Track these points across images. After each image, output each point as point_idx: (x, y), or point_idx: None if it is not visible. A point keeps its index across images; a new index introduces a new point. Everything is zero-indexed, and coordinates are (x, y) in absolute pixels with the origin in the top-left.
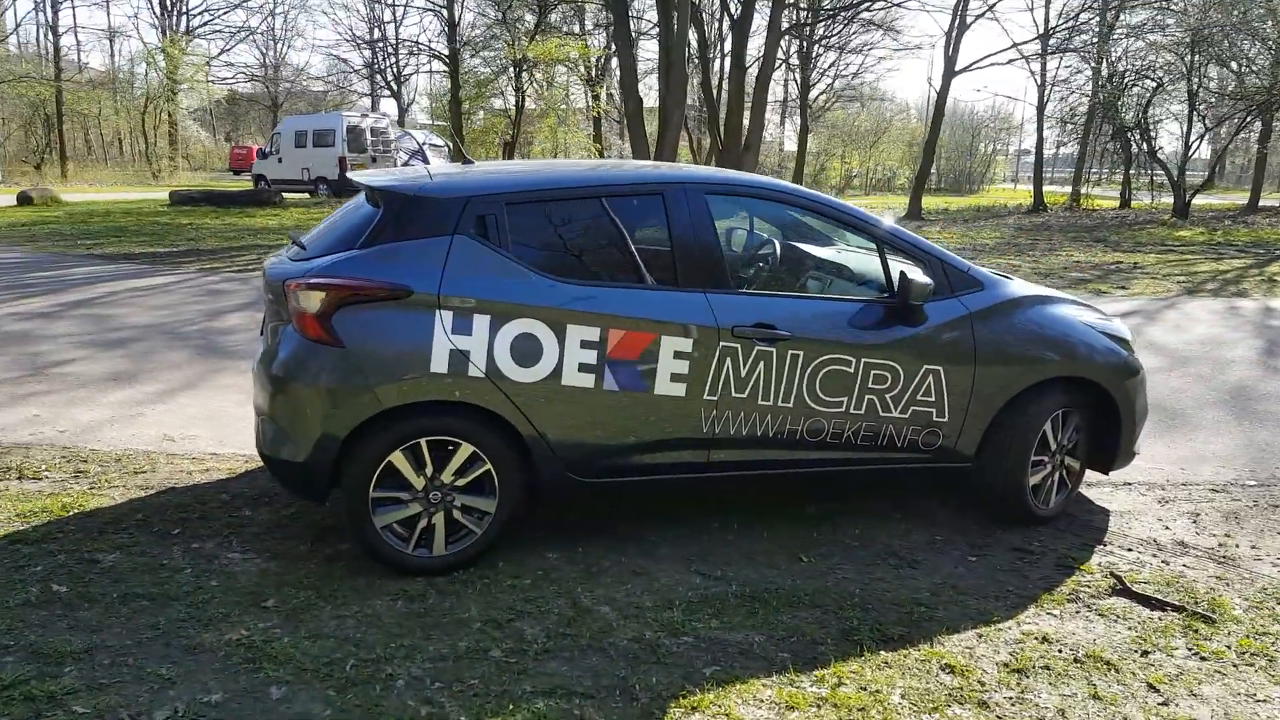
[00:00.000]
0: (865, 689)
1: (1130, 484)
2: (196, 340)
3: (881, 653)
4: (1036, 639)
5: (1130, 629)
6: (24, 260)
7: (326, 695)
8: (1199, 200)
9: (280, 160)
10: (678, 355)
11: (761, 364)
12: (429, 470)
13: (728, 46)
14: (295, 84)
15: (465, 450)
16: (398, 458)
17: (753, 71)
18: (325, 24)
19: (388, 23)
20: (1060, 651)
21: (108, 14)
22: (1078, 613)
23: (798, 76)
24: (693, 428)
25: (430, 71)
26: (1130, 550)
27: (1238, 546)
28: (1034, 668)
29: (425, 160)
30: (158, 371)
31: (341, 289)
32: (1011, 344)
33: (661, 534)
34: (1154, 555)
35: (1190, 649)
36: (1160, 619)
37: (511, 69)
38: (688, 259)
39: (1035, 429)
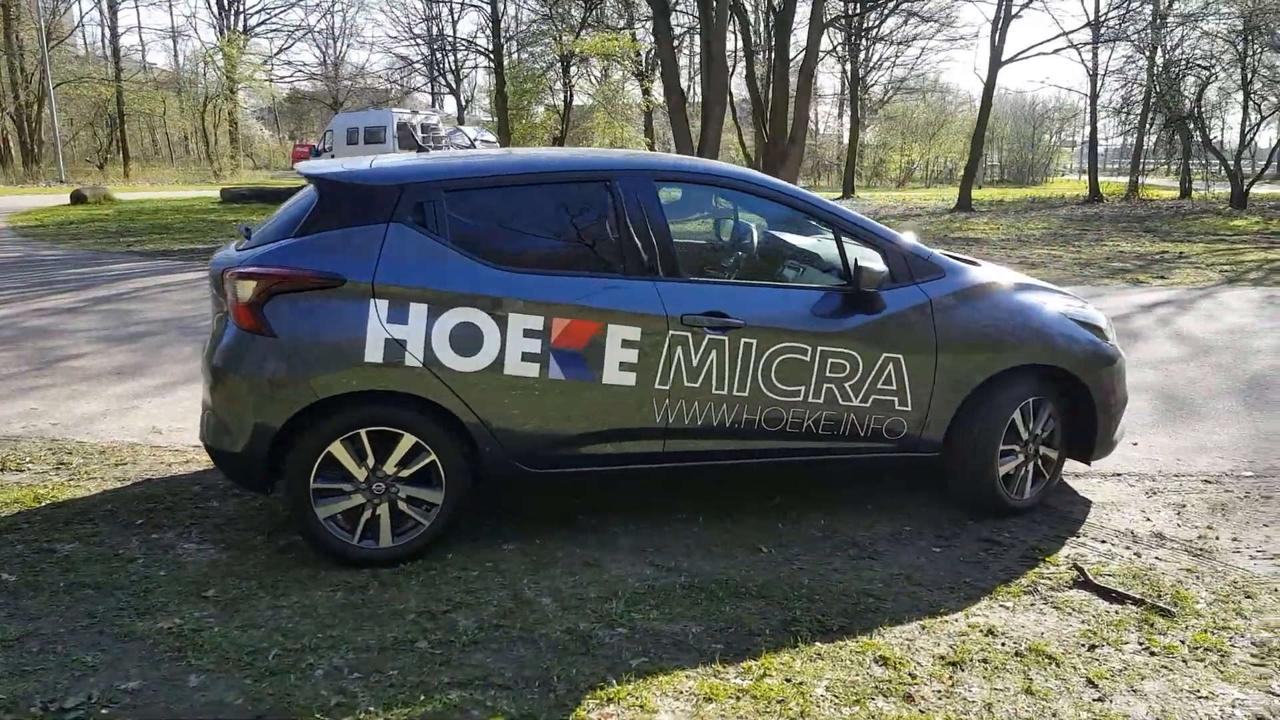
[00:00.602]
0: (790, 680)
1: (1120, 475)
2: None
3: (817, 644)
4: (981, 631)
5: (1083, 622)
6: (62, 257)
7: (243, 684)
8: (1260, 189)
9: (333, 157)
10: (626, 344)
11: (714, 353)
12: (371, 461)
13: (773, 40)
14: (355, 82)
15: (408, 441)
16: (337, 448)
17: (798, 64)
18: (384, 22)
19: (444, 19)
20: (1003, 645)
21: (170, 13)
22: (1032, 605)
23: (847, 69)
24: (645, 417)
25: (489, 68)
26: (1104, 542)
27: (1218, 539)
28: (971, 661)
29: None
30: (164, 365)
31: (272, 278)
32: (974, 332)
33: (624, 525)
34: (1127, 548)
35: (1141, 643)
36: (1117, 612)
37: (559, 64)
38: (636, 247)
39: (1003, 418)
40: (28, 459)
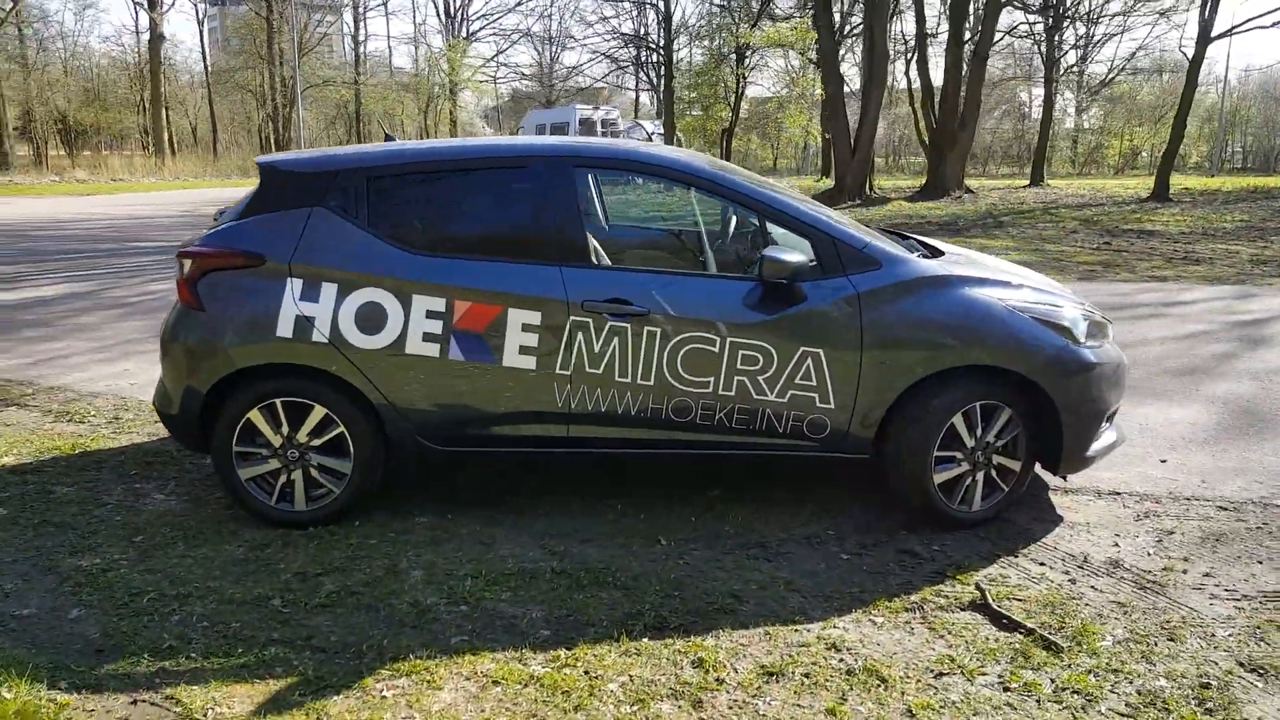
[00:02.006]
0: (589, 674)
1: (1120, 494)
2: None
3: (645, 640)
4: (826, 645)
5: (949, 647)
6: None
7: (107, 621)
8: None
9: None
10: (526, 328)
11: (616, 340)
12: (286, 429)
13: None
14: (567, 81)
15: (319, 412)
16: (255, 416)
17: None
18: (594, 21)
19: (622, 18)
20: (839, 660)
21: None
22: (905, 623)
23: (1042, 49)
24: (547, 402)
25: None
26: (1042, 565)
27: (1184, 573)
28: (791, 673)
29: None
30: None
31: (203, 257)
32: (906, 328)
33: (543, 508)
34: (1065, 573)
35: (1000, 677)
36: (997, 640)
37: (733, 56)
38: (545, 232)
39: (938, 422)
40: (91, 413)
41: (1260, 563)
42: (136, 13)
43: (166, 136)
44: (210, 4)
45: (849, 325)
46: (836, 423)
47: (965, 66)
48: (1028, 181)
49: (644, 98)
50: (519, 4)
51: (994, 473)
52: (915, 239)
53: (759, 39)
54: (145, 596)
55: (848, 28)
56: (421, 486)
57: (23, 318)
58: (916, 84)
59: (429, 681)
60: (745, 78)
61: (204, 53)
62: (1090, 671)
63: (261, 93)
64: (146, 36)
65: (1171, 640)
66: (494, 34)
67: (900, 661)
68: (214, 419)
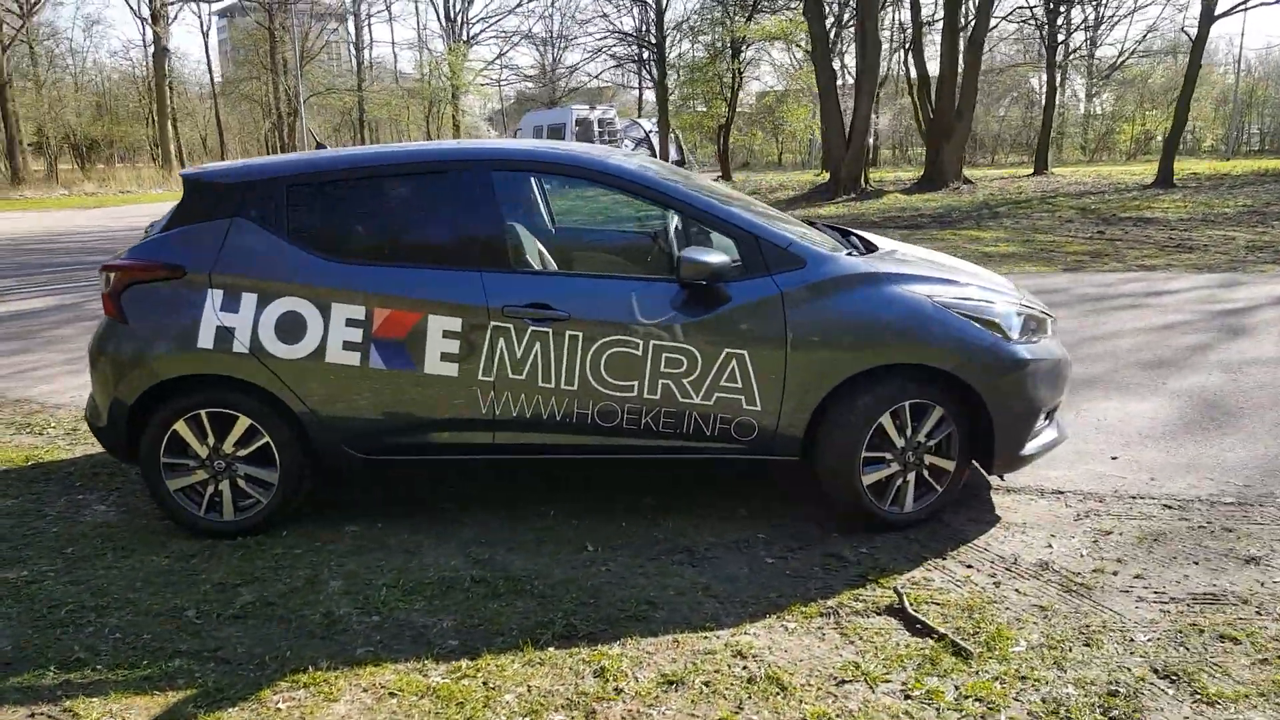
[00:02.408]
0: (487, 684)
1: (1062, 493)
2: None
3: (551, 649)
4: (732, 652)
5: (857, 653)
6: None
7: (22, 632)
8: None
9: None
10: (447, 335)
11: (538, 345)
12: (211, 440)
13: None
14: (570, 81)
15: (243, 423)
16: (181, 427)
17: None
18: (591, 18)
19: (615, 18)
20: (743, 668)
21: (418, 27)
22: (817, 630)
23: (1044, 34)
24: (470, 408)
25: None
26: (970, 567)
27: (1115, 575)
28: (692, 682)
29: (651, 148)
30: None
31: (124, 270)
32: (829, 328)
33: (474, 516)
34: (991, 576)
35: (904, 684)
36: (907, 646)
37: (728, 50)
38: (464, 237)
39: (865, 422)
40: (51, 424)
41: (1196, 564)
42: (143, 27)
43: (174, 148)
44: (220, 16)
45: (773, 326)
46: (764, 425)
47: (961, 55)
48: (1033, 170)
49: (649, 95)
50: (519, 5)
51: (926, 473)
52: (857, 235)
53: (753, 32)
54: (64, 608)
55: (845, 16)
56: (353, 495)
57: (4, 330)
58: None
59: (326, 694)
60: (741, 72)
61: (209, 64)
62: (997, 678)
63: (267, 102)
64: (152, 50)
65: (1087, 645)
66: (495, 36)
67: (804, 669)
68: (141, 431)
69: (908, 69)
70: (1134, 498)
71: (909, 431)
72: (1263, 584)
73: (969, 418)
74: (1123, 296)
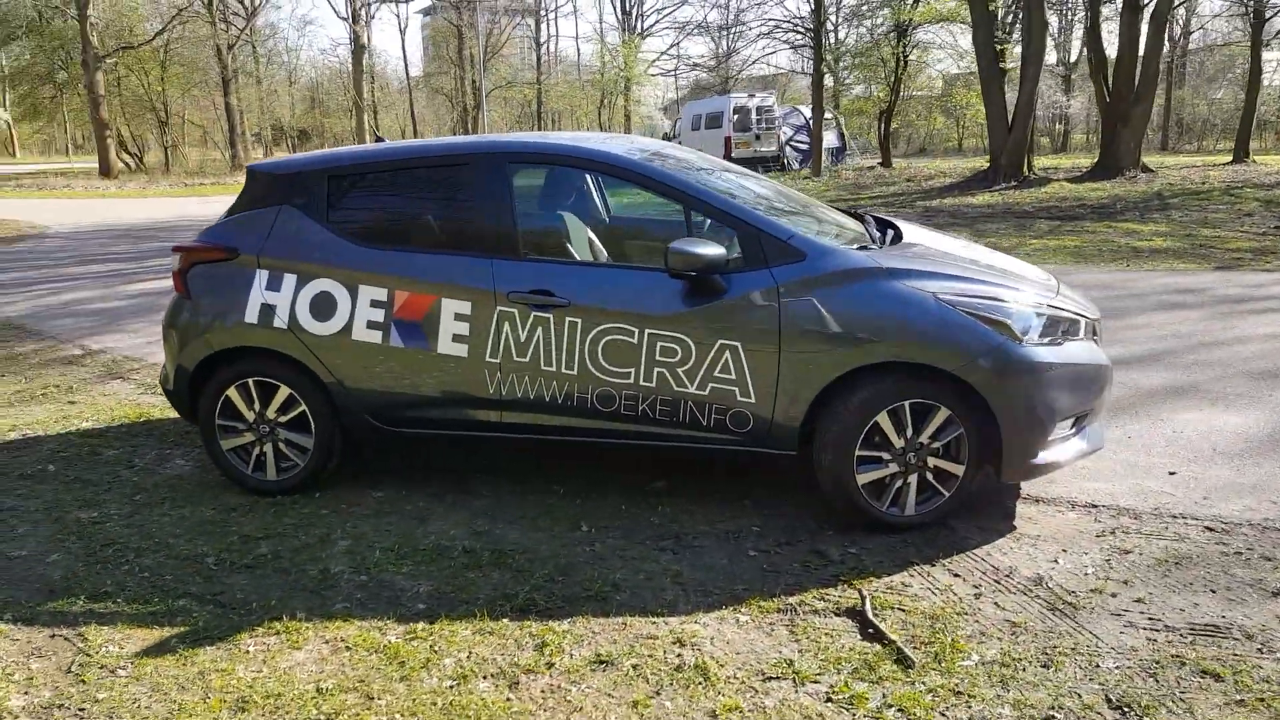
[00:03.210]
0: (434, 647)
1: (1095, 506)
2: None
3: (504, 620)
4: (672, 639)
5: (800, 651)
6: None
7: (74, 565)
8: None
9: (680, 143)
10: (458, 317)
11: (540, 330)
12: (257, 406)
13: None
14: (744, 70)
15: (284, 392)
16: (232, 393)
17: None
18: (753, 6)
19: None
20: (678, 657)
21: (599, 18)
22: (768, 625)
23: (1249, 7)
24: (479, 387)
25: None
26: (957, 576)
27: (1114, 596)
28: (621, 664)
29: (810, 135)
30: None
31: (190, 251)
32: (825, 322)
33: (494, 489)
34: (975, 586)
35: (831, 687)
36: (854, 649)
37: (893, 34)
38: (479, 225)
39: (858, 420)
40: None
41: (1213, 592)
42: (349, 27)
43: (369, 139)
44: (425, 14)
45: (768, 318)
46: (759, 417)
47: (1143, 34)
48: (1231, 158)
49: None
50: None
51: (930, 476)
52: (894, 226)
53: (919, 14)
54: (113, 547)
55: None
56: (389, 464)
57: (161, 303)
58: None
59: (292, 642)
60: (906, 56)
61: (405, 60)
62: (931, 691)
63: (455, 95)
64: (351, 48)
65: (1045, 667)
66: (668, 27)
67: (737, 661)
68: (200, 395)
69: (1084, 50)
70: (1174, 516)
71: (909, 432)
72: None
73: (981, 421)
74: (1268, 300)
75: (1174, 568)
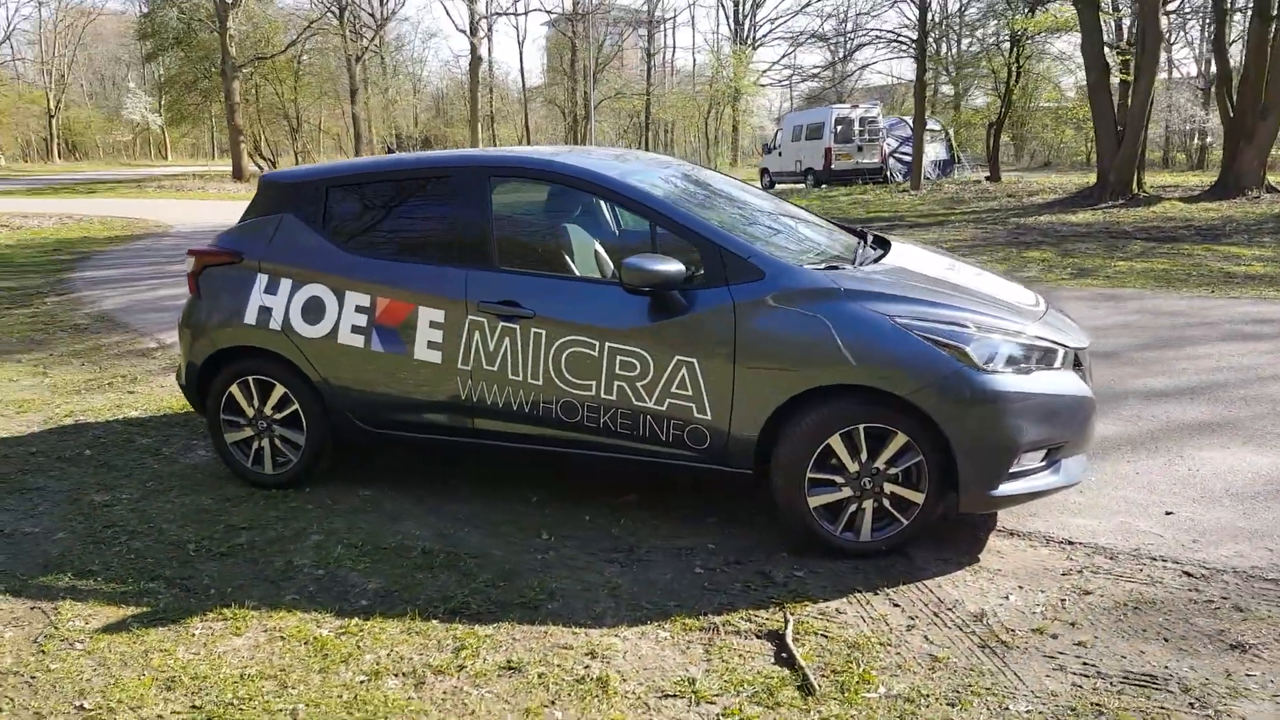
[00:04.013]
0: (360, 644)
1: (1072, 543)
2: None
3: (434, 621)
4: (584, 651)
5: (707, 672)
6: None
7: (74, 543)
8: None
9: (780, 154)
10: (433, 325)
11: (508, 340)
12: (256, 403)
13: None
14: (858, 80)
15: (279, 390)
16: (235, 389)
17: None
18: (858, 15)
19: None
20: (583, 668)
21: (715, 30)
22: (685, 643)
23: None
24: (452, 394)
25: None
26: (896, 606)
27: (1054, 639)
28: (527, 671)
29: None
30: None
31: (201, 255)
32: (779, 342)
33: (476, 492)
34: (911, 618)
35: (724, 709)
36: (760, 673)
37: (1006, 44)
38: (456, 236)
39: (809, 442)
40: None
41: (1165, 641)
42: (467, 39)
43: (479, 146)
44: (549, 26)
45: (723, 336)
46: (716, 435)
47: (1270, 44)
48: None
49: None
50: (806, 6)
51: (888, 503)
52: (882, 238)
53: (1033, 24)
54: (112, 529)
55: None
56: (387, 463)
57: None
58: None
59: (235, 629)
60: (1019, 67)
61: (522, 71)
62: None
63: (566, 106)
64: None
65: (951, 705)
66: (780, 38)
67: (641, 677)
68: (208, 390)
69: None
70: (1153, 559)
71: (864, 456)
72: (1228, 674)
73: (942, 449)
74: None
75: (1131, 612)
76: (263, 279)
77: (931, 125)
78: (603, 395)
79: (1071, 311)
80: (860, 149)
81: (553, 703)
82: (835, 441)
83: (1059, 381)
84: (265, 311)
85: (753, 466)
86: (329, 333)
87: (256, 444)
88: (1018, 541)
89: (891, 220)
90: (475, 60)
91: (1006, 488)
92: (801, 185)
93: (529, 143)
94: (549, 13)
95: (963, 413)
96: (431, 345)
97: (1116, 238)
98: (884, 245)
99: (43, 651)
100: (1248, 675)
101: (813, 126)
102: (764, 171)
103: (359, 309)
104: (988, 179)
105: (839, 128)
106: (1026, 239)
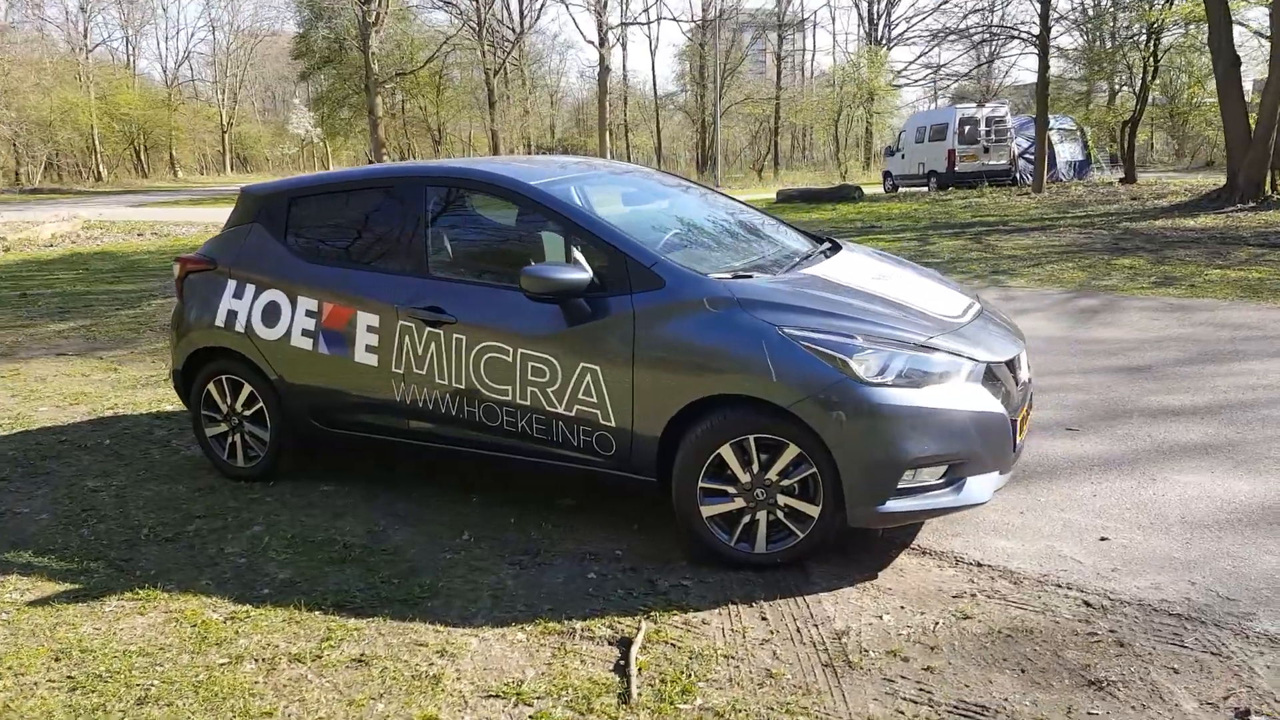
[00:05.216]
0: (239, 630)
1: (981, 565)
2: None
3: (317, 613)
4: (437, 649)
5: (540, 676)
6: None
7: (52, 524)
8: None
9: (903, 156)
10: (369, 329)
11: (433, 344)
12: (229, 399)
13: None
14: (1007, 77)
15: (246, 388)
16: (211, 387)
17: None
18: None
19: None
20: (429, 665)
21: (857, 30)
22: (537, 646)
23: None
24: (388, 396)
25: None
26: (764, 620)
27: (905, 661)
28: (376, 664)
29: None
30: None
31: (182, 261)
32: (672, 350)
33: (425, 493)
34: (770, 632)
35: (539, 713)
36: (589, 678)
37: (1141, 37)
38: (394, 244)
39: (703, 451)
40: None
41: (1021, 672)
42: (596, 49)
43: (608, 155)
44: (687, 36)
45: (623, 344)
46: (620, 442)
47: None
48: None
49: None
50: (943, 3)
51: (783, 515)
52: (837, 244)
53: (1169, 15)
54: (88, 513)
55: None
56: (362, 461)
57: None
58: None
59: (141, 609)
60: (1155, 61)
61: (654, 79)
62: None
63: (694, 113)
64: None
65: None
66: (916, 36)
67: (477, 677)
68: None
69: None
70: (1058, 586)
71: (755, 467)
72: (1069, 711)
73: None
74: None
75: (1001, 641)
76: (231, 284)
77: (1065, 124)
78: (518, 400)
79: (1129, 322)
80: (987, 150)
81: (380, 695)
82: (726, 451)
83: (958, 395)
84: (232, 315)
85: (656, 475)
86: (283, 335)
87: (230, 438)
88: (926, 560)
89: (994, 225)
90: (604, 70)
91: (895, 504)
92: (924, 189)
93: (660, 150)
94: (677, 20)
95: (844, 425)
96: (369, 349)
97: (1226, 244)
98: (835, 251)
99: None
100: (1089, 714)
101: (936, 128)
102: (886, 175)
103: (308, 313)
104: (1121, 180)
105: (964, 128)
106: (1126, 245)
